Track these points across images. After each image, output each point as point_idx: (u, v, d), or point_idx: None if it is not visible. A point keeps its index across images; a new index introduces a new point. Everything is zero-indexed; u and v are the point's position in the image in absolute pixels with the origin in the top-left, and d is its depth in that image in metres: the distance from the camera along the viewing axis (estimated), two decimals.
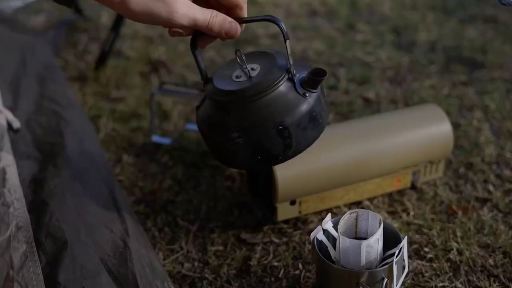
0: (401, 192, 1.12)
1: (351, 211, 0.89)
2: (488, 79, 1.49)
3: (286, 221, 1.05)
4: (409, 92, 1.45)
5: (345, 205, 1.08)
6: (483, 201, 1.10)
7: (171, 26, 0.76)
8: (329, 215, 0.90)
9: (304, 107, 0.82)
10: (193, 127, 1.30)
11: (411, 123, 1.08)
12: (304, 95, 0.82)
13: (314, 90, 0.82)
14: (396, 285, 0.84)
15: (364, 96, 1.44)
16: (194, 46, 0.83)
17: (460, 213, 1.07)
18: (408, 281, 0.93)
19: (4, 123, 1.04)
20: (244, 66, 0.83)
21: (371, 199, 1.10)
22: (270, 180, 0.99)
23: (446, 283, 0.93)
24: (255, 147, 0.82)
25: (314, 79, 0.81)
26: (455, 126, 1.28)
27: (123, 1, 0.71)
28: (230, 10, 0.80)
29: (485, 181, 1.15)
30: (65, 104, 1.24)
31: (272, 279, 0.95)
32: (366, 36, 1.75)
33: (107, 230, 0.90)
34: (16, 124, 1.05)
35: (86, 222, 0.90)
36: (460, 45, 1.67)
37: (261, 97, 0.81)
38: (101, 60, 1.54)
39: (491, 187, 1.13)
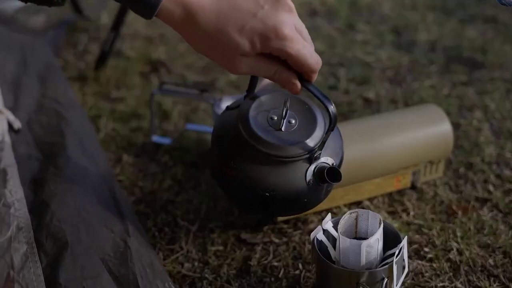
0: (401, 192, 1.12)
1: (351, 211, 0.89)
2: (488, 79, 1.49)
3: (286, 221, 1.05)
4: (409, 92, 1.45)
5: (345, 205, 1.08)
6: (483, 201, 1.10)
7: None
8: (329, 215, 0.90)
9: (300, 192, 0.80)
10: (193, 127, 1.30)
11: (411, 123, 1.08)
12: (308, 183, 0.79)
13: (320, 184, 0.80)
14: (396, 285, 0.84)
15: (364, 96, 1.44)
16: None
17: (460, 213, 1.07)
18: (408, 281, 0.93)
19: (5, 124, 1.04)
20: (283, 119, 0.79)
21: (371, 199, 1.10)
22: None
23: (446, 283, 0.93)
24: (241, 190, 0.81)
25: (324, 178, 0.78)
26: (455, 126, 1.28)
27: (189, 39, 0.69)
28: (301, 74, 0.75)
29: (485, 181, 1.15)
30: (66, 103, 1.24)
31: (272, 279, 0.95)
32: (366, 36, 1.75)
33: (108, 230, 0.90)
34: (17, 124, 1.05)
35: (86, 222, 0.90)
36: (460, 45, 1.67)
37: (269, 157, 0.78)
38: (101, 60, 1.54)
39: (491, 187, 1.13)
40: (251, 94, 0.82)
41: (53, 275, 0.78)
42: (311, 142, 0.79)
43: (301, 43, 0.71)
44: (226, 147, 0.81)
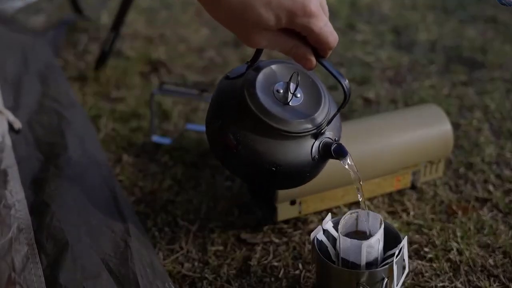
0: (401, 192, 1.12)
1: (351, 211, 0.89)
2: (488, 79, 1.49)
3: (286, 221, 1.05)
4: (409, 92, 1.45)
5: (345, 205, 1.08)
6: (483, 201, 1.10)
7: None
8: (329, 215, 0.90)
9: (304, 168, 0.78)
10: (193, 127, 1.30)
11: (411, 123, 1.08)
12: (313, 158, 0.78)
13: (325, 159, 0.80)
14: (397, 285, 0.84)
15: (364, 96, 1.44)
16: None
17: (460, 213, 1.07)
18: (408, 281, 0.93)
19: (5, 124, 1.04)
20: (291, 92, 0.77)
21: (371, 199, 1.10)
22: None
23: (446, 283, 0.93)
24: (244, 163, 0.78)
25: (330, 153, 0.78)
26: (455, 126, 1.28)
27: (211, 8, 0.68)
28: (317, 50, 0.74)
29: (485, 181, 1.15)
30: (66, 103, 1.24)
31: (272, 279, 0.95)
32: (366, 36, 1.75)
33: (108, 230, 0.90)
34: (17, 124, 1.05)
35: (87, 222, 0.90)
36: (460, 45, 1.67)
37: (275, 131, 0.75)
38: (101, 60, 1.54)
39: (491, 187, 1.13)
40: (254, 65, 0.79)
41: (53, 276, 0.78)
42: (319, 117, 0.77)
43: (324, 20, 0.70)
44: (231, 118, 0.77)
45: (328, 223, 0.89)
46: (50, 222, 0.85)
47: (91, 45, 1.70)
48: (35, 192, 0.92)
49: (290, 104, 0.76)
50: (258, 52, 0.77)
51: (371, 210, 0.89)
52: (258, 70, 0.78)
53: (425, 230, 1.03)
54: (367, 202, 1.09)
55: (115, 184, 1.05)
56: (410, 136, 1.07)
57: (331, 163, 1.00)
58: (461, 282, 0.93)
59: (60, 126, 1.13)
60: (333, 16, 1.94)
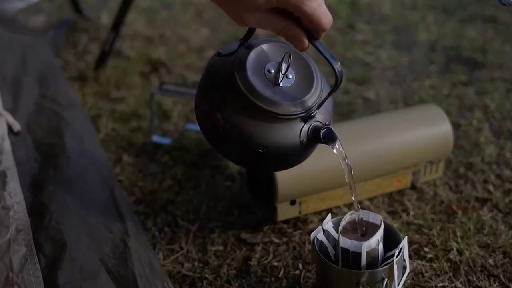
0: (401, 192, 1.12)
1: (351, 211, 0.89)
2: (488, 79, 1.49)
3: (286, 221, 1.05)
4: (409, 92, 1.45)
5: (345, 205, 1.08)
6: (483, 201, 1.10)
7: None
8: (329, 215, 0.90)
9: (293, 151, 0.76)
10: (193, 127, 1.30)
11: (411, 123, 1.08)
12: (302, 142, 0.76)
13: (313, 143, 0.78)
14: (398, 285, 0.84)
15: (364, 96, 1.44)
16: None
17: (460, 213, 1.07)
18: (408, 281, 0.93)
19: (5, 126, 1.04)
20: (282, 72, 0.75)
21: (371, 199, 1.10)
22: (270, 180, 0.99)
23: (446, 283, 0.93)
24: (232, 145, 0.76)
25: (319, 138, 0.76)
26: (455, 126, 1.28)
27: None
28: (311, 31, 0.73)
29: (485, 181, 1.15)
30: (66, 104, 1.24)
31: (272, 279, 0.95)
32: (366, 36, 1.75)
33: (107, 230, 0.90)
34: (16, 127, 1.05)
35: (86, 222, 0.89)
36: (460, 45, 1.67)
37: (264, 113, 0.73)
38: (101, 60, 1.54)
39: (491, 187, 1.13)
40: (246, 42, 0.77)
41: (52, 276, 0.78)
42: (309, 100, 0.75)
43: (318, 2, 0.69)
44: (219, 97, 0.75)
45: (328, 223, 0.89)
46: (49, 223, 0.85)
47: (91, 45, 1.70)
48: (34, 194, 0.92)
49: (280, 85, 0.74)
50: (250, 31, 0.75)
51: (371, 210, 0.89)
52: (250, 48, 0.75)
53: (425, 230, 1.03)
54: (367, 202, 1.09)
55: (114, 184, 1.05)
56: (410, 136, 1.07)
57: (331, 163, 1.00)
58: (461, 282, 0.93)
59: (59, 127, 1.13)
60: (333, 16, 1.94)
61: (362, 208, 1.08)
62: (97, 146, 1.18)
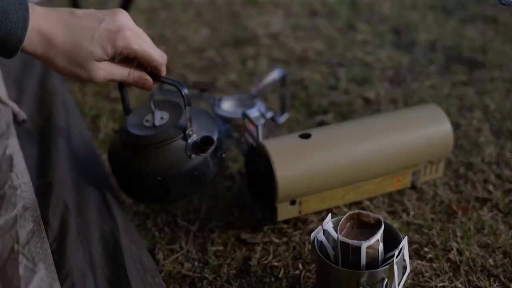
0: (401, 192, 1.12)
1: (351, 211, 0.89)
2: (488, 79, 1.50)
3: (286, 221, 1.05)
4: (409, 92, 1.45)
5: (345, 205, 1.08)
6: (483, 201, 1.10)
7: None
8: (329, 215, 0.90)
9: (186, 166, 0.91)
10: None
11: (411, 123, 1.08)
12: (189, 156, 0.91)
13: (201, 154, 0.92)
14: (398, 285, 0.84)
15: (364, 96, 1.44)
16: (121, 84, 0.91)
17: (460, 213, 1.07)
18: (408, 281, 0.93)
19: (10, 115, 1.05)
20: (153, 113, 0.94)
21: (371, 199, 1.10)
22: (270, 180, 0.99)
23: (446, 283, 0.93)
24: (142, 187, 0.95)
25: (201, 146, 0.90)
26: (455, 126, 1.28)
27: (51, 61, 0.79)
28: (151, 70, 0.87)
29: (485, 181, 1.15)
30: (65, 104, 1.24)
31: (272, 279, 0.95)
32: (366, 36, 1.75)
33: (98, 227, 0.90)
34: (22, 116, 1.06)
35: (77, 218, 0.90)
36: (460, 45, 1.67)
37: (152, 148, 0.91)
38: None
39: (491, 187, 1.13)
40: (128, 111, 0.95)
41: (61, 250, 0.79)
42: (181, 123, 0.91)
43: (143, 40, 0.83)
44: (122, 157, 0.96)
45: (328, 224, 0.89)
46: (57, 202, 0.87)
47: None
48: (41, 175, 0.93)
49: (157, 124, 0.93)
50: (124, 100, 0.93)
51: (371, 210, 0.89)
52: (129, 113, 0.96)
53: (425, 230, 1.03)
54: (367, 202, 1.09)
55: (105, 182, 1.05)
56: (410, 136, 1.07)
57: (331, 163, 1.01)
58: (461, 282, 0.93)
59: (57, 126, 1.13)
60: (333, 16, 1.95)
61: (362, 208, 1.08)
62: (89, 145, 1.18)
